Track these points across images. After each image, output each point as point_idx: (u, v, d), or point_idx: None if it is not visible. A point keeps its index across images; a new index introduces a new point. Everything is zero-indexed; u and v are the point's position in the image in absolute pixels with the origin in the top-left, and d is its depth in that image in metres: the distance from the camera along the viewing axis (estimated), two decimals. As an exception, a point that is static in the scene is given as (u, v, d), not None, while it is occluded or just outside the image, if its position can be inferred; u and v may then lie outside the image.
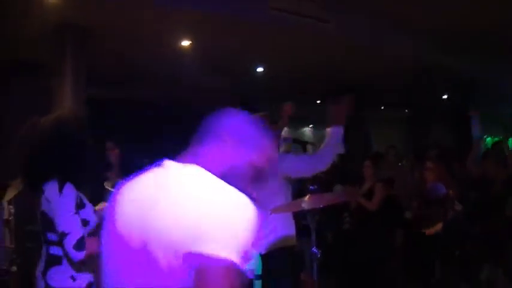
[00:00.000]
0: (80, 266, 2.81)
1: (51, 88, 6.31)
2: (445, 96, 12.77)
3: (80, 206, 2.85)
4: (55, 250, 2.81)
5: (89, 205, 2.95)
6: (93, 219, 2.94)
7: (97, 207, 3.08)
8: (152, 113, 10.66)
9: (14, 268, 3.73)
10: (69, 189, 2.80)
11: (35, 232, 4.91)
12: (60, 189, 2.78)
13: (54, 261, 2.82)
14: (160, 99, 10.86)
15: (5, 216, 4.15)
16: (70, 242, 2.70)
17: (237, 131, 1.63)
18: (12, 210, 4.12)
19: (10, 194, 4.16)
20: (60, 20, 6.07)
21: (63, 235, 2.71)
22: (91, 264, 2.85)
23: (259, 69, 9.35)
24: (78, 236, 2.71)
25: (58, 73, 6.31)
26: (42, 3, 5.56)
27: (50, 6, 5.62)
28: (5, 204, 4.19)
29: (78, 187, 2.87)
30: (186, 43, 7.17)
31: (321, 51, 7.65)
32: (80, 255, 2.71)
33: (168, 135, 10.50)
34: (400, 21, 6.52)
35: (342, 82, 8.71)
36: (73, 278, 2.83)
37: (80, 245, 2.71)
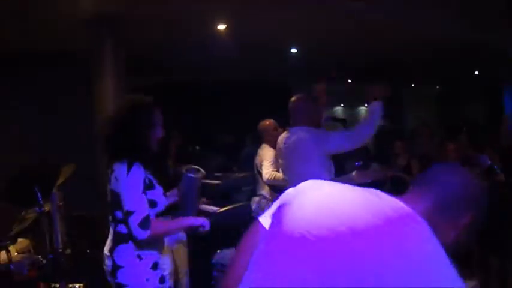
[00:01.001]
0: (142, 245, 2.85)
1: (91, 78, 6.47)
2: (476, 72, 12.72)
3: (148, 186, 2.88)
4: (122, 228, 2.86)
5: (158, 187, 2.98)
6: (162, 201, 2.97)
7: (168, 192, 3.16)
8: (190, 98, 10.76)
9: (68, 251, 3.93)
10: (137, 169, 2.83)
11: (82, 217, 5.15)
12: (129, 168, 2.81)
13: (121, 239, 2.87)
14: (198, 84, 10.99)
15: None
16: (135, 221, 2.74)
17: None
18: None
19: (60, 179, 4.26)
20: (98, 10, 6.22)
21: (128, 213, 2.76)
22: (156, 244, 2.94)
23: (293, 50, 9.43)
24: (143, 215, 2.76)
25: (97, 63, 6.48)
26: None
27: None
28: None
29: (147, 168, 2.91)
30: (222, 27, 7.29)
31: (353, 31, 7.69)
32: (144, 234, 2.75)
33: (208, 119, 10.69)
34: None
35: (373, 61, 8.74)
36: (139, 257, 2.87)
37: (144, 224, 2.75)
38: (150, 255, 2.92)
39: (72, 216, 4.25)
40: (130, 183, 2.81)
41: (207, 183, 5.30)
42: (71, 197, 4.09)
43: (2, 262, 3.92)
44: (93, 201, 5.47)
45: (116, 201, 2.85)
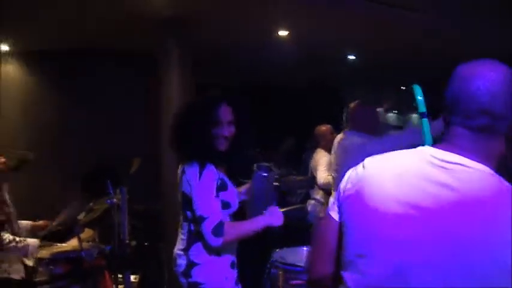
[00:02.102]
0: (216, 251, 2.83)
1: (160, 78, 6.66)
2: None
3: (221, 187, 2.83)
4: (197, 227, 2.81)
5: (231, 187, 2.94)
6: (235, 202, 2.95)
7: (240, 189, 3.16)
8: (252, 101, 10.88)
9: (134, 242, 4.09)
10: (209, 172, 2.77)
11: (142, 211, 5.33)
12: (201, 172, 2.75)
13: (197, 237, 2.83)
14: (259, 87, 11.13)
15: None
16: (208, 227, 2.69)
17: None
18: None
19: (128, 173, 4.37)
20: (167, 12, 6.42)
21: (201, 219, 2.71)
22: (231, 244, 2.93)
23: (351, 57, 9.49)
24: (216, 221, 2.70)
25: (165, 63, 6.67)
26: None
27: (156, 0, 6.01)
28: None
29: (219, 168, 2.87)
30: (283, 33, 7.41)
31: (409, 40, 7.71)
32: (217, 242, 2.70)
33: (269, 122, 10.79)
34: (487, 7, 6.40)
35: (429, 70, 8.70)
36: (218, 254, 2.84)
37: (217, 231, 2.69)
38: (227, 254, 2.90)
39: (133, 209, 4.40)
40: (202, 188, 2.75)
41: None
42: (133, 191, 4.23)
43: (73, 249, 4.13)
44: (154, 196, 5.70)
45: (188, 202, 2.81)
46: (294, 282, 3.74)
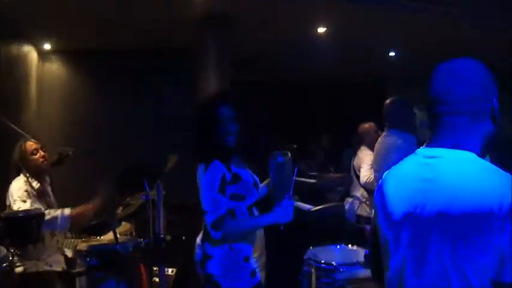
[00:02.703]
0: (245, 239, 2.96)
1: (198, 75, 6.73)
2: None
3: (233, 181, 2.94)
4: None
5: (246, 179, 3.03)
6: (252, 193, 3.03)
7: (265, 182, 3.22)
8: (292, 96, 10.88)
9: (168, 237, 4.15)
10: (214, 169, 2.90)
11: (180, 205, 5.39)
12: (206, 169, 2.90)
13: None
14: (299, 83, 11.11)
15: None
16: (209, 220, 2.84)
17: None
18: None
19: (165, 169, 4.43)
20: (204, 10, 6.50)
21: (204, 212, 2.88)
22: (248, 237, 3.02)
23: (391, 54, 9.41)
24: (216, 216, 2.83)
25: (202, 59, 6.74)
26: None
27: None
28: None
29: (231, 162, 2.98)
30: (321, 30, 7.41)
31: (448, 36, 7.62)
32: (216, 235, 2.83)
33: (308, 118, 10.81)
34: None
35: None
36: (231, 248, 2.93)
37: (216, 224, 2.82)
38: (241, 248, 2.97)
39: (170, 204, 4.46)
40: (206, 184, 2.89)
41: (303, 181, 5.44)
42: (170, 185, 4.29)
43: (109, 242, 4.22)
44: (191, 190, 5.76)
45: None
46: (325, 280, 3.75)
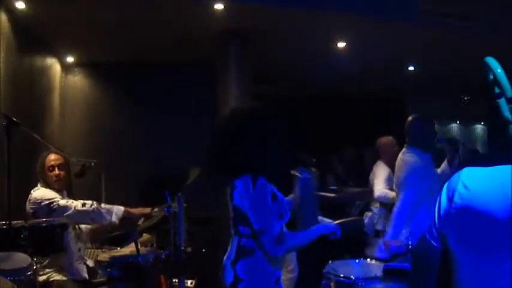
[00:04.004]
0: (276, 262, 2.88)
1: (219, 88, 6.81)
2: None
3: (273, 199, 2.85)
4: (247, 243, 2.87)
5: (281, 197, 2.96)
6: (287, 212, 2.97)
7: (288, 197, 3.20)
8: (313, 110, 10.89)
9: (189, 249, 4.20)
10: (262, 185, 2.80)
11: (201, 218, 5.44)
12: (254, 184, 2.79)
13: (246, 253, 2.88)
14: (319, 97, 11.14)
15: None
16: (269, 238, 2.74)
17: None
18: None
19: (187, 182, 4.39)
20: (225, 25, 6.59)
21: (260, 232, 2.76)
22: (278, 260, 2.94)
23: (411, 68, 9.43)
24: (275, 232, 2.75)
25: (225, 73, 6.81)
26: (209, 10, 6.09)
27: (216, 13, 6.16)
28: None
29: (269, 180, 2.87)
30: (341, 44, 7.47)
31: (469, 51, 7.63)
32: (280, 251, 2.77)
33: (328, 132, 10.81)
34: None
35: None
36: (263, 271, 2.87)
37: (278, 240, 2.75)
38: (273, 271, 2.91)
39: (191, 216, 4.50)
40: (257, 200, 2.78)
41: (322, 195, 5.46)
42: (193, 198, 4.33)
43: (130, 253, 4.27)
44: (211, 203, 5.81)
45: (242, 216, 2.85)
46: None
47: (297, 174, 3.10)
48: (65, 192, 4.54)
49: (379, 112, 10.56)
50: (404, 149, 4.75)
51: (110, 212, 4.33)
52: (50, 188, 4.43)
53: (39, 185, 4.47)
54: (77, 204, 4.28)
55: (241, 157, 2.87)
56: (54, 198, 4.29)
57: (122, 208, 4.38)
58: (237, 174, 2.87)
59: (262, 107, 3.11)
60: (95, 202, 4.37)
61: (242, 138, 2.91)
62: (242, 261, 2.89)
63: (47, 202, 4.27)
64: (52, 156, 4.48)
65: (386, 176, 5.86)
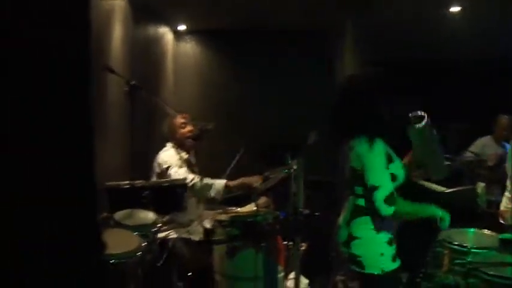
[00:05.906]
0: (383, 221, 2.92)
1: (333, 55, 6.77)
2: None
3: (388, 160, 2.92)
4: (361, 202, 2.97)
5: (397, 159, 3.03)
6: (401, 174, 3.01)
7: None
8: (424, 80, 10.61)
9: (307, 211, 4.23)
10: (379, 145, 2.88)
11: (316, 182, 5.46)
12: (371, 144, 2.86)
13: (360, 212, 2.98)
14: (431, 64, 10.81)
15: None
16: (380, 196, 2.81)
17: None
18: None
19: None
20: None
21: (373, 189, 2.83)
22: (388, 224, 2.99)
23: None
24: (388, 191, 2.82)
25: (339, 41, 6.77)
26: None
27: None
28: None
29: (386, 141, 2.94)
30: (455, 9, 7.23)
31: None
32: (389, 211, 2.81)
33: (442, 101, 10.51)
34: None
35: None
36: (376, 231, 2.94)
37: (390, 200, 2.80)
38: (386, 231, 2.97)
39: (307, 179, 4.53)
40: (374, 159, 2.86)
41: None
42: (309, 162, 4.35)
43: (249, 214, 4.37)
44: (326, 167, 5.81)
45: (357, 177, 2.95)
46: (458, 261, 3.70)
47: (410, 124, 3.04)
48: (192, 153, 4.71)
49: (497, 82, 10.07)
50: None
51: (211, 187, 4.56)
52: (182, 146, 4.62)
53: (168, 146, 4.65)
54: (189, 180, 4.49)
55: (359, 118, 2.96)
56: (176, 165, 4.48)
57: (222, 183, 4.51)
58: (354, 135, 2.98)
59: (379, 71, 3.13)
60: (198, 177, 4.51)
61: (360, 99, 2.99)
62: (356, 220, 3.00)
63: (167, 166, 4.47)
64: (180, 116, 4.67)
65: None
